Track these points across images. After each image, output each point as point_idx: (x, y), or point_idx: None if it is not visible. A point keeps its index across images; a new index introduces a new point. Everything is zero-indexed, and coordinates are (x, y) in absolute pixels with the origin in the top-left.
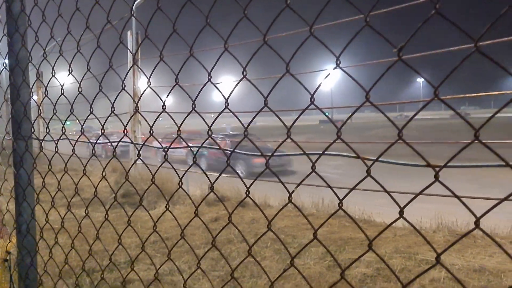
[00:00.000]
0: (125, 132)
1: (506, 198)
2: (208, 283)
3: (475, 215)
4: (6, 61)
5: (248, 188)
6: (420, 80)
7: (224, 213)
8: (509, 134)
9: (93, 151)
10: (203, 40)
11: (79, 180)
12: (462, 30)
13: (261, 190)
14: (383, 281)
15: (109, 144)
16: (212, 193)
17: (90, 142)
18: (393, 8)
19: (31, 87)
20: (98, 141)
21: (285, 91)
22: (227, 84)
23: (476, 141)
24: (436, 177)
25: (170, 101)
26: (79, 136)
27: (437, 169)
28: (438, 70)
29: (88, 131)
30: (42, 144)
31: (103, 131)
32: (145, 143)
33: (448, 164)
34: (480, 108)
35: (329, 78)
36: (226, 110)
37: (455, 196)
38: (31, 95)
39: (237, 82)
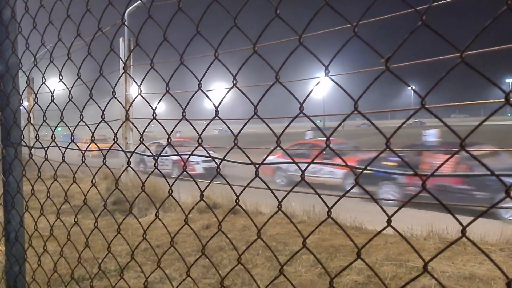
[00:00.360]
0: (200, 141)
1: (493, 206)
2: None
3: (461, 224)
4: None
5: (238, 196)
6: (410, 88)
7: (216, 220)
8: (499, 141)
9: (83, 159)
10: (196, 45)
11: (69, 187)
12: (448, 41)
13: (253, 197)
14: None
15: (176, 157)
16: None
17: (80, 149)
18: (381, 18)
19: (21, 93)
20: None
21: (277, 98)
22: (219, 91)
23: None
24: (424, 186)
25: (162, 107)
26: (69, 144)
27: (424, 178)
28: (430, 77)
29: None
30: (32, 150)
31: (169, 140)
32: (135, 151)
33: (435, 173)
34: (469, 116)
35: (320, 86)
36: (217, 117)
37: (442, 204)
38: (21, 101)
39: (227, 90)
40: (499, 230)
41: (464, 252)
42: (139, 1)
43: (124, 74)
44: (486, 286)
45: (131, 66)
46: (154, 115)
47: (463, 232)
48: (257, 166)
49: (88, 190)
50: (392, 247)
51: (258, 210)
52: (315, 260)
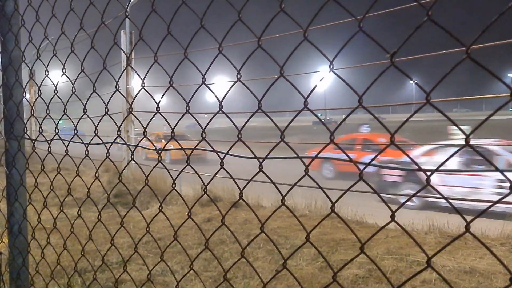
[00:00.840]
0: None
1: (497, 202)
2: (200, 283)
3: (465, 220)
4: None
5: (241, 191)
6: (413, 82)
7: (217, 213)
8: (502, 135)
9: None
10: (199, 37)
11: (72, 180)
12: (454, 37)
13: (254, 190)
14: (375, 282)
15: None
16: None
17: (83, 143)
18: (387, 11)
19: (24, 86)
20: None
21: (279, 91)
22: (221, 84)
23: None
24: (427, 181)
25: (164, 101)
26: (72, 137)
27: (428, 173)
28: (432, 70)
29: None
30: (35, 144)
31: (331, 136)
32: (139, 145)
33: (440, 169)
34: (471, 110)
35: (323, 80)
36: (221, 111)
37: (446, 199)
38: (24, 94)
39: (231, 84)
40: (500, 225)
41: (464, 246)
42: None
43: (125, 69)
44: (486, 281)
45: (133, 59)
46: (158, 109)
47: (467, 227)
48: (261, 160)
49: (92, 183)
50: (392, 241)
51: (260, 204)
52: (316, 254)
